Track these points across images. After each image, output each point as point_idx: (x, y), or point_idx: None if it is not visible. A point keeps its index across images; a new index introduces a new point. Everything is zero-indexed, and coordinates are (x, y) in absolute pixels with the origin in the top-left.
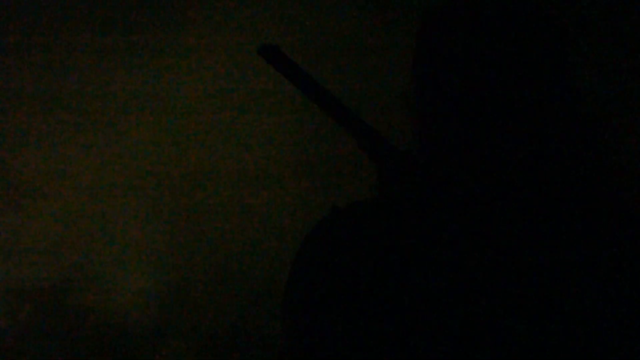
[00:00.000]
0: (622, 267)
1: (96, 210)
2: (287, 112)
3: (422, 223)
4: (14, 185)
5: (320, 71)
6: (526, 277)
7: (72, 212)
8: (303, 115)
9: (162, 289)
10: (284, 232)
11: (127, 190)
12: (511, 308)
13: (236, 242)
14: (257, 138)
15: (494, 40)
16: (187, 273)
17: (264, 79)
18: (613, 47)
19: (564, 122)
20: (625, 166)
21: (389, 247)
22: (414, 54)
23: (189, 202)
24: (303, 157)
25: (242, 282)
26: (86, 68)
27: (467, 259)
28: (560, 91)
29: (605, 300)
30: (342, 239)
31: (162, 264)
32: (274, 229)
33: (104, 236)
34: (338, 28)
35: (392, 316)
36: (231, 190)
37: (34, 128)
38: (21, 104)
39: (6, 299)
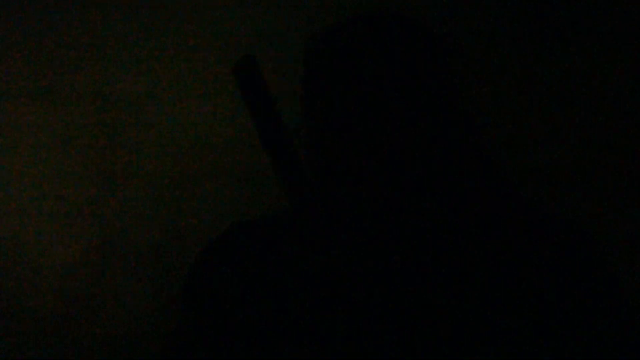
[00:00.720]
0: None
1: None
2: (222, 110)
3: (316, 240)
4: None
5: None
6: (423, 297)
7: None
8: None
9: (87, 267)
10: (204, 228)
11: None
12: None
13: (163, 232)
14: (191, 135)
15: (378, 64)
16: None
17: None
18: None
19: (455, 136)
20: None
21: (284, 263)
22: (301, 83)
23: (117, 194)
24: (239, 157)
25: (163, 273)
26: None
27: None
28: (447, 109)
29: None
30: (237, 255)
31: (88, 240)
32: (197, 223)
33: (30, 214)
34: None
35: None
36: (163, 186)
37: None
38: None
39: None
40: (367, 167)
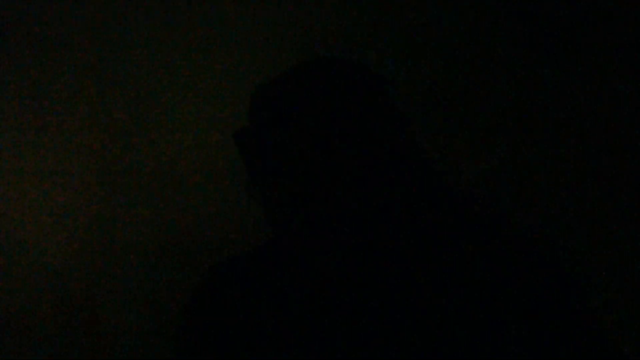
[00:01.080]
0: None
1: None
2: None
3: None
4: None
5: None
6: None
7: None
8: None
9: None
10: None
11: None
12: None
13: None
14: (191, 135)
15: (324, 107)
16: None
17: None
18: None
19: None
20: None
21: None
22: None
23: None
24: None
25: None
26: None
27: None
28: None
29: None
30: (227, 300)
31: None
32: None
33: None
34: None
35: None
36: (161, 183)
37: None
38: None
39: None
40: (326, 203)
